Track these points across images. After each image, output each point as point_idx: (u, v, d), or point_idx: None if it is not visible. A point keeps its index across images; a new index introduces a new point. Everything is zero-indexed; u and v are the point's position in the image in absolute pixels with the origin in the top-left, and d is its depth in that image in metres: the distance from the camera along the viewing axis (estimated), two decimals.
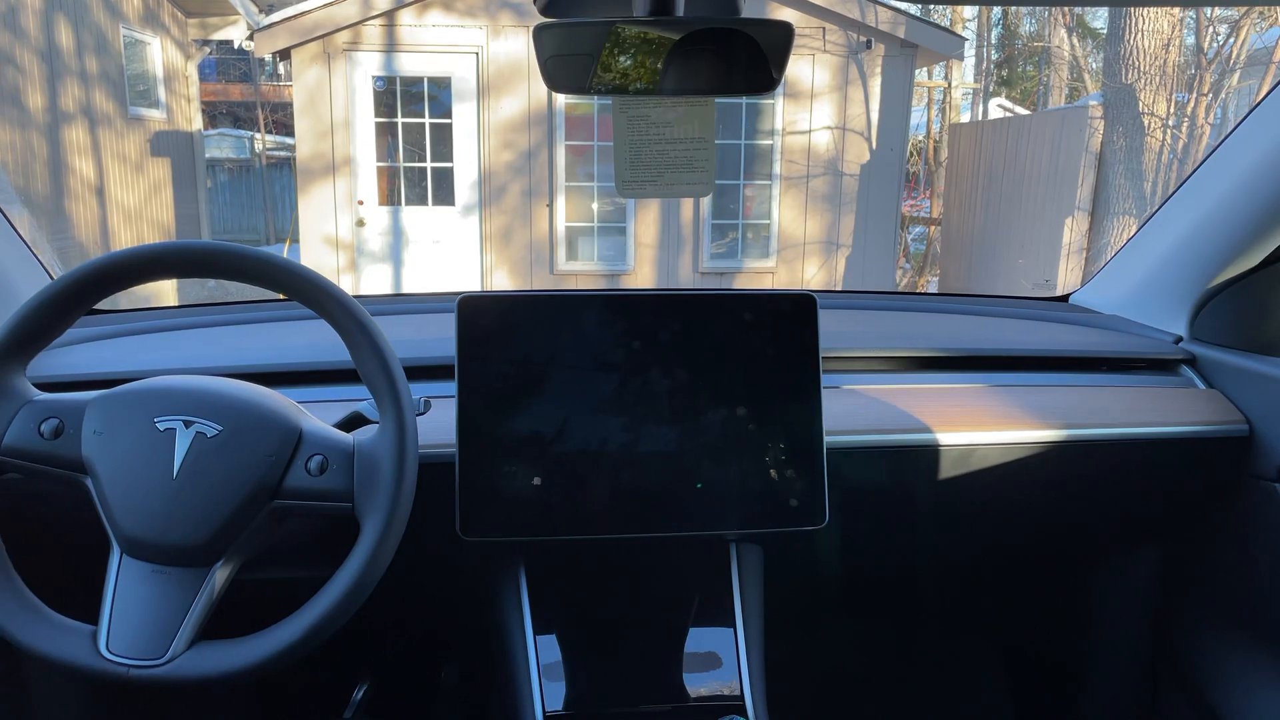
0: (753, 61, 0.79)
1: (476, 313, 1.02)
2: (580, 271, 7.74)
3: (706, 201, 7.77)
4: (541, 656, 1.07)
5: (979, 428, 1.16)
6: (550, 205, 7.59)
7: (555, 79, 0.82)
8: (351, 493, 0.87)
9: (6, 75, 6.47)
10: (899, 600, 1.58)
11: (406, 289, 7.62)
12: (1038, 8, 12.10)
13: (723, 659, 1.10)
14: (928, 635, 1.64)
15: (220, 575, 0.85)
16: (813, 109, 7.62)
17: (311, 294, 0.89)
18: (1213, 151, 1.26)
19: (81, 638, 0.83)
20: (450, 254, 7.65)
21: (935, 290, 9.44)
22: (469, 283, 7.64)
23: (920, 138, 11.27)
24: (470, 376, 1.02)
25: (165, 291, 7.20)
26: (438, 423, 1.04)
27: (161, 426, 0.85)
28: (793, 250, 7.94)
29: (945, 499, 1.20)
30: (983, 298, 1.52)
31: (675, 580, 1.16)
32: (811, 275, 7.92)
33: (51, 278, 1.23)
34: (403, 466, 0.86)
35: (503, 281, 7.69)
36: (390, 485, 0.85)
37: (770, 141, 7.69)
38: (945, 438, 1.15)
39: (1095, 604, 1.46)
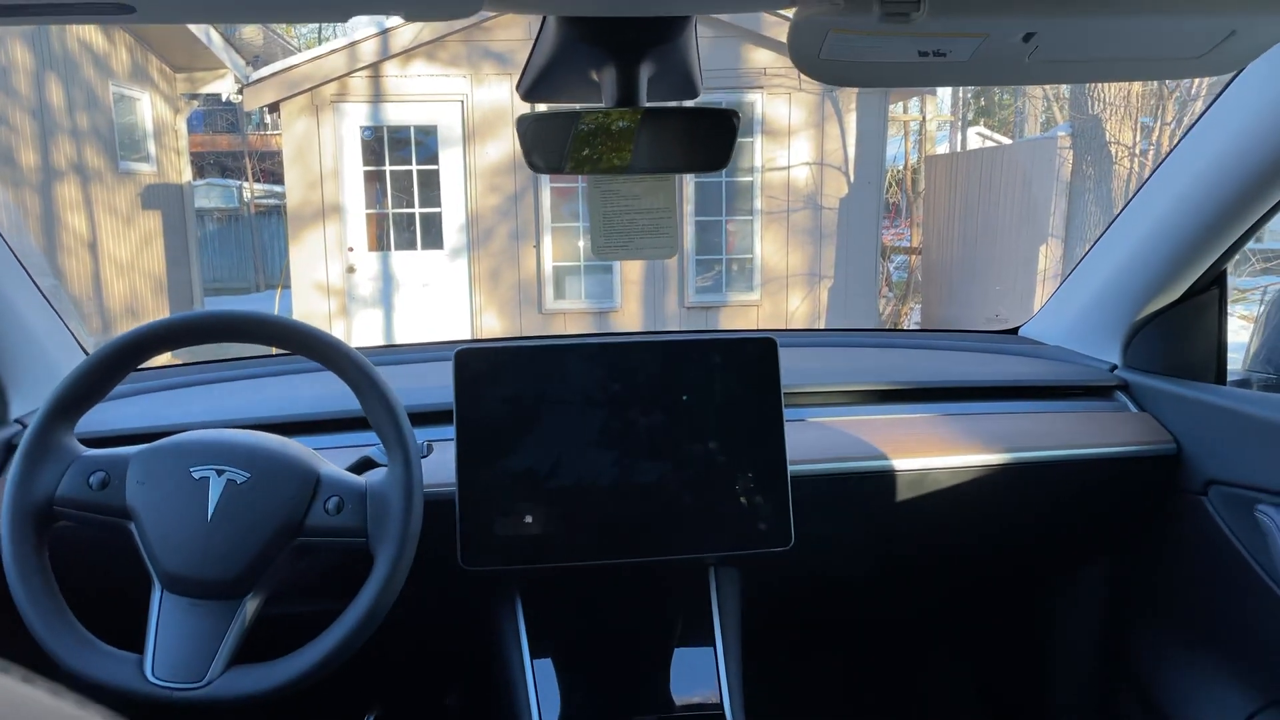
0: (707, 143, 0.91)
1: (472, 363, 1.14)
2: (568, 310, 7.88)
3: (689, 238, 7.94)
4: (538, 677, 1.17)
5: (931, 453, 1.28)
6: (537, 246, 7.74)
7: (535, 159, 0.94)
8: (365, 529, 0.98)
9: (0, 135, 6.61)
10: (866, 614, 1.68)
11: (397, 331, 7.74)
12: None
13: (704, 673, 1.21)
14: (893, 645, 1.75)
15: (250, 606, 0.96)
16: (790, 145, 7.81)
17: (325, 352, 1.01)
18: (1138, 191, 1.39)
19: (129, 665, 0.93)
20: (440, 296, 7.78)
21: (918, 318, 9.60)
22: (459, 324, 7.76)
23: (899, 169, 11.50)
24: (467, 421, 1.13)
25: None
26: (439, 464, 1.15)
27: (196, 475, 0.96)
28: (776, 283, 8.10)
29: (902, 520, 1.31)
30: (937, 333, 1.65)
31: (659, 604, 1.27)
32: (795, 307, 8.07)
33: (82, 347, 1.34)
34: (410, 503, 0.97)
35: (492, 322, 7.81)
36: (400, 520, 0.96)
37: (750, 178, 7.88)
38: (900, 463, 1.26)
39: (1050, 616, 1.57)
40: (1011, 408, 1.38)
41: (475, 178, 7.53)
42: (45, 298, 1.28)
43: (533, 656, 1.19)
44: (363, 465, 1.09)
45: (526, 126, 0.94)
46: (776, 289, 8.13)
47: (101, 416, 1.24)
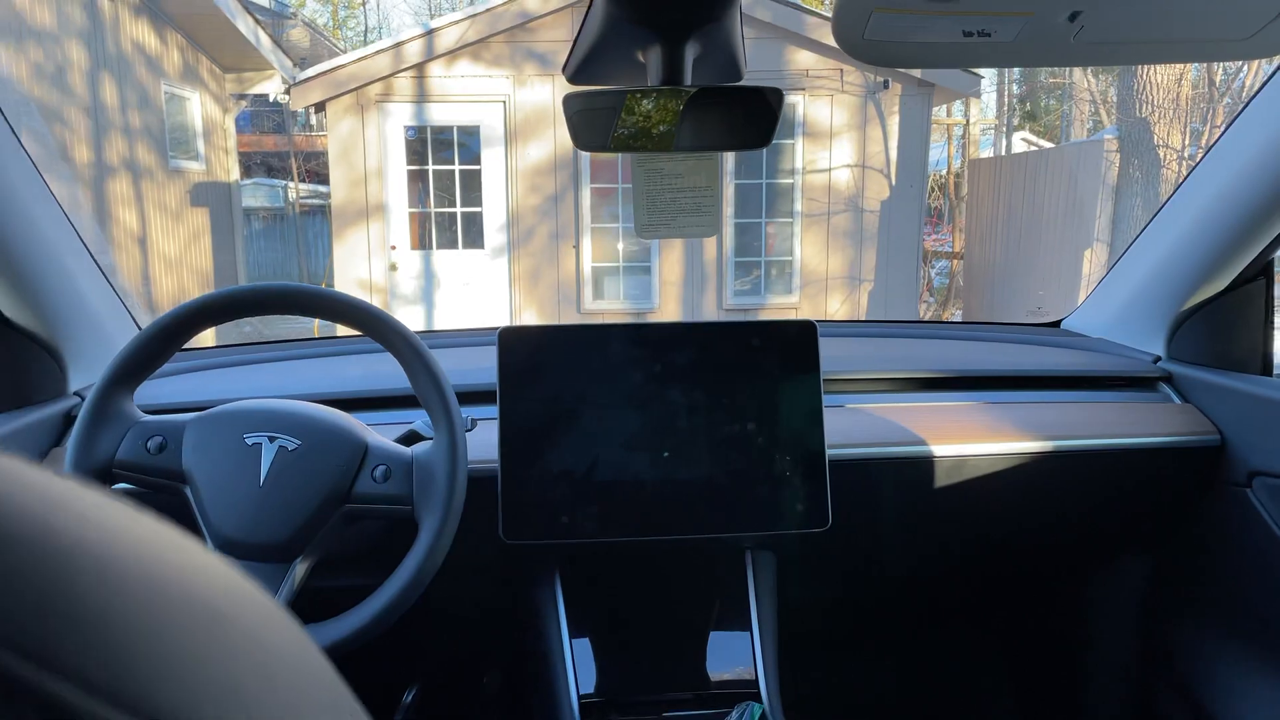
0: (749, 122, 0.93)
1: (515, 342, 1.16)
2: (606, 310, 7.91)
3: (729, 239, 7.94)
4: (575, 654, 1.19)
5: (971, 440, 1.27)
6: (576, 246, 7.78)
7: (580, 137, 0.96)
8: (411, 497, 1.00)
9: (55, 132, 6.78)
10: (902, 600, 1.68)
11: (438, 328, 7.81)
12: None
13: (740, 654, 1.22)
14: (929, 635, 1.74)
15: (299, 570, 0.99)
16: (832, 148, 7.78)
17: (376, 327, 1.03)
18: (1183, 181, 1.38)
19: None
20: (480, 295, 7.85)
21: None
22: (498, 322, 7.82)
23: (941, 173, 11.40)
24: (510, 398, 1.15)
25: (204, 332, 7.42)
26: (482, 441, 1.18)
27: (249, 442, 0.99)
28: (815, 286, 8.07)
29: (941, 506, 1.31)
30: (979, 325, 1.64)
31: (696, 584, 1.28)
32: (834, 310, 8.04)
33: (138, 325, 1.39)
34: (455, 473, 0.99)
35: (531, 321, 7.88)
36: (445, 489, 0.99)
37: (791, 180, 7.86)
38: (940, 450, 1.26)
39: (1089, 609, 1.55)
40: (1054, 397, 1.38)
41: (516, 178, 7.59)
42: (105, 276, 1.32)
43: (570, 634, 1.20)
44: (409, 438, 1.11)
45: (573, 106, 0.96)
46: (815, 292, 8.10)
47: (155, 391, 1.28)
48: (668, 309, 7.97)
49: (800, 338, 1.19)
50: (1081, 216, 7.30)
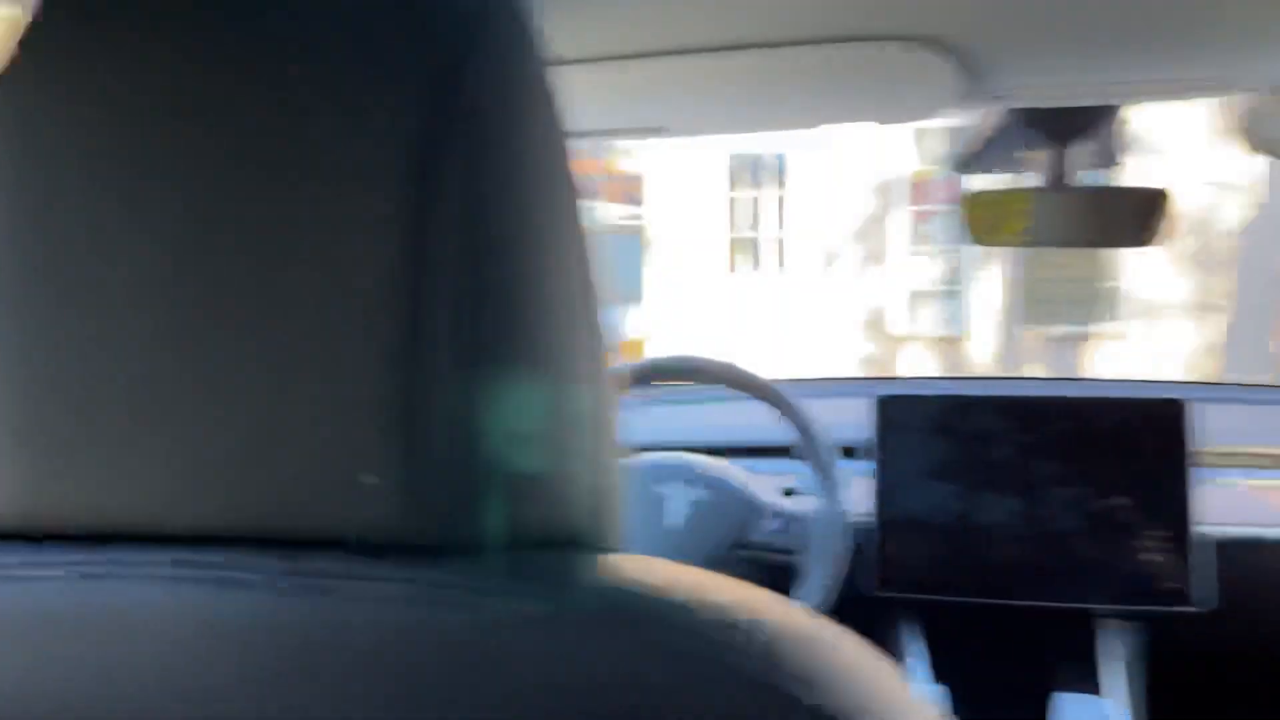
0: (1133, 221, 0.97)
1: (893, 408, 1.26)
2: (917, 335, 7.75)
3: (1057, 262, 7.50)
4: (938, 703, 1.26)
5: None
6: (887, 270, 7.71)
7: (975, 234, 1.04)
8: (797, 549, 1.12)
9: None
10: None
11: (750, 350, 8.05)
12: None
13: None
14: None
15: None
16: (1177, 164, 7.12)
17: (771, 398, 1.17)
18: None
19: None
20: (790, 319, 7.99)
21: None
22: (811, 346, 7.90)
23: None
24: (888, 461, 1.25)
25: None
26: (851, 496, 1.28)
27: (661, 490, 1.16)
28: (1150, 313, 7.41)
29: None
30: None
31: (1048, 654, 1.30)
32: (1174, 339, 7.33)
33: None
34: (842, 531, 1.10)
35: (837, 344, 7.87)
36: (831, 544, 1.10)
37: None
38: None
39: None
40: None
41: (828, 203, 7.66)
42: None
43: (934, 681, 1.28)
44: (792, 491, 1.24)
45: (971, 202, 1.05)
46: (1151, 319, 7.43)
47: None
48: (980, 335, 7.66)
49: (1166, 416, 1.20)
50: None
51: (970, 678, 1.30)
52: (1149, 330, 7.43)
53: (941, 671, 1.29)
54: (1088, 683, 1.25)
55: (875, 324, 7.81)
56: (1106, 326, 7.54)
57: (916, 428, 1.25)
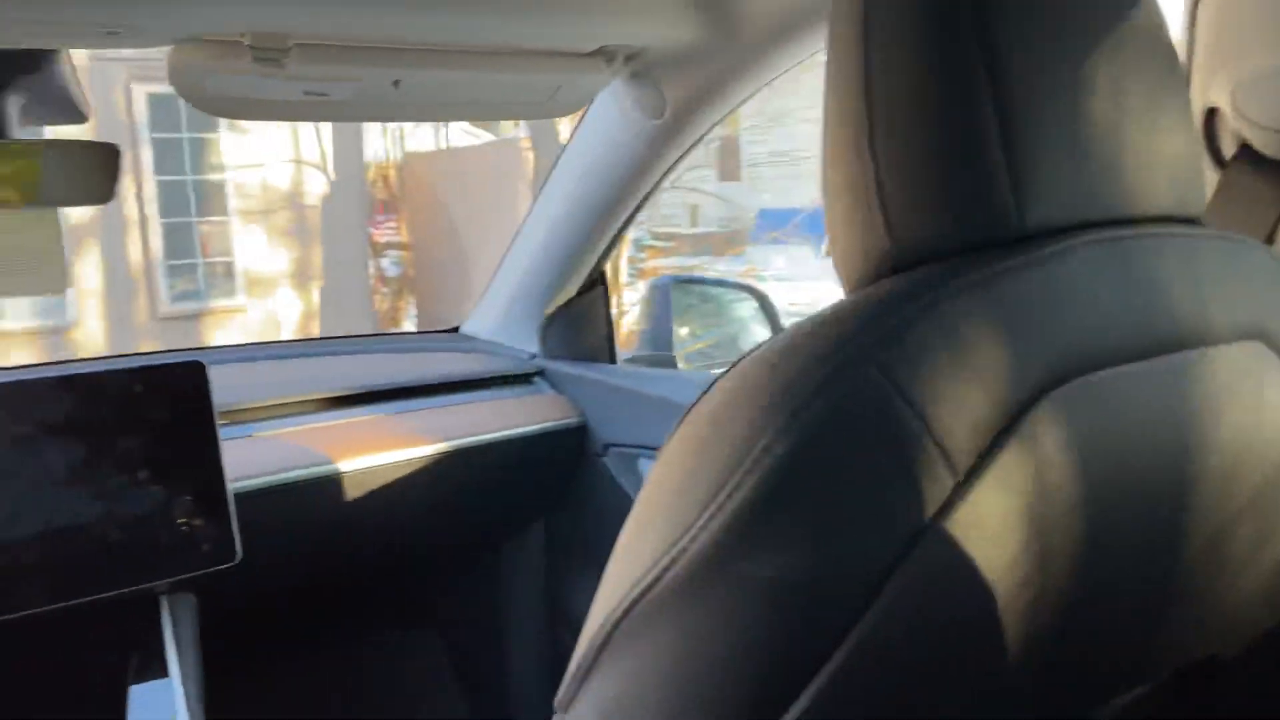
0: (83, 176, 0.91)
1: None
2: (5, 331, 6.76)
3: (157, 240, 7.26)
4: None
5: (375, 452, 1.38)
6: None
7: None
8: None
9: None
10: (338, 615, 1.76)
11: None
12: None
13: (162, 707, 1.19)
14: (373, 637, 1.85)
15: None
16: (261, 142, 7.49)
17: None
18: (535, 200, 1.63)
19: None
20: None
21: (414, 313, 9.78)
22: None
23: (385, 164, 11.54)
24: None
25: None
26: None
27: None
28: (262, 286, 7.75)
29: (355, 519, 1.40)
30: (382, 336, 1.76)
31: (108, 644, 1.22)
32: (285, 309, 7.80)
33: None
34: None
35: None
36: None
37: (222, 176, 7.42)
38: (346, 466, 1.35)
39: (505, 578, 1.78)
40: (448, 401, 1.54)
41: None
42: None
43: None
44: None
45: None
46: (264, 292, 7.77)
47: None
48: (88, 324, 7.06)
49: (189, 377, 1.19)
50: (507, 211, 7.95)
51: (35, 705, 1.15)
52: (264, 302, 7.77)
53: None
54: (160, 667, 1.20)
55: None
56: (224, 300, 7.64)
57: None
